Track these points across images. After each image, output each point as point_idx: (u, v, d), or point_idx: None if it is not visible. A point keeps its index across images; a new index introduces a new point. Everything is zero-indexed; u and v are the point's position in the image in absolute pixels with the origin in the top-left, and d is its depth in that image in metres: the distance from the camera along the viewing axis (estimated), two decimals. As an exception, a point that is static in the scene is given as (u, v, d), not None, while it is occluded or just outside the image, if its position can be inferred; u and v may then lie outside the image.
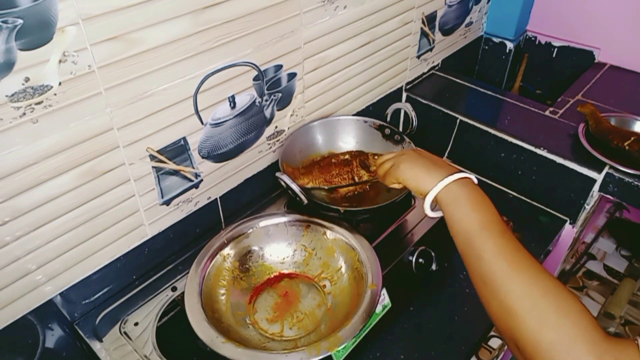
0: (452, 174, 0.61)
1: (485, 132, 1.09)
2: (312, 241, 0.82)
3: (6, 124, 0.55)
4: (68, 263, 0.70)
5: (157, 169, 0.75)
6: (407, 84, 1.24)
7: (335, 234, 0.80)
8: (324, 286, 0.79)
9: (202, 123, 0.78)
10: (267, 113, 0.89)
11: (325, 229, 0.82)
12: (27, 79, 0.55)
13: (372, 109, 1.16)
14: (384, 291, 0.80)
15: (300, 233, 0.83)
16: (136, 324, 0.75)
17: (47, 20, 0.54)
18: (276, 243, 0.82)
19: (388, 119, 1.01)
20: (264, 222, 0.82)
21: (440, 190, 0.61)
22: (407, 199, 0.93)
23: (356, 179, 0.89)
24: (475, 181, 0.63)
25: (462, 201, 0.59)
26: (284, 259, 0.82)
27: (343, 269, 0.79)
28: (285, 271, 0.82)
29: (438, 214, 0.63)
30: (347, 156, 0.97)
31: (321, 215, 0.82)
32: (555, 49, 1.46)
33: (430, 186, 0.62)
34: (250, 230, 0.81)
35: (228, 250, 0.79)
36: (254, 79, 0.82)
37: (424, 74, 1.29)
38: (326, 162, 0.97)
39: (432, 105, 1.18)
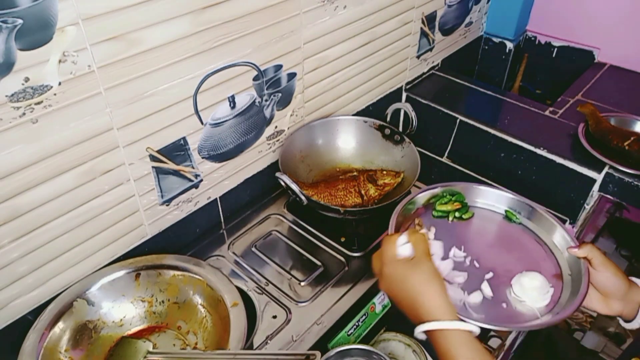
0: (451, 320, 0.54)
1: (485, 132, 1.09)
2: (148, 288, 0.73)
3: (6, 124, 0.55)
4: (68, 263, 0.70)
5: (157, 169, 0.75)
6: (407, 84, 1.24)
7: (173, 271, 0.73)
8: (179, 327, 0.72)
9: (202, 123, 0.78)
10: (267, 113, 0.89)
11: (157, 270, 0.73)
12: (27, 79, 0.55)
13: (372, 109, 1.16)
14: (384, 291, 0.79)
15: (131, 285, 0.73)
16: (135, 324, 0.74)
17: (47, 20, 0.54)
18: (109, 307, 0.71)
19: (388, 119, 1.01)
20: (86, 289, 0.70)
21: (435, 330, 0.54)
22: (407, 199, 0.93)
23: (362, 192, 0.89)
24: (477, 332, 0.55)
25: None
26: (121, 320, 0.72)
27: (195, 301, 0.72)
28: (131, 332, 0.72)
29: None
30: (354, 172, 0.96)
31: (150, 257, 0.74)
32: (555, 49, 1.46)
33: (424, 318, 0.55)
34: (74, 303, 0.68)
35: (55, 338, 0.65)
36: (254, 79, 0.82)
37: (423, 74, 1.29)
38: (332, 176, 0.96)
39: (432, 105, 1.18)
